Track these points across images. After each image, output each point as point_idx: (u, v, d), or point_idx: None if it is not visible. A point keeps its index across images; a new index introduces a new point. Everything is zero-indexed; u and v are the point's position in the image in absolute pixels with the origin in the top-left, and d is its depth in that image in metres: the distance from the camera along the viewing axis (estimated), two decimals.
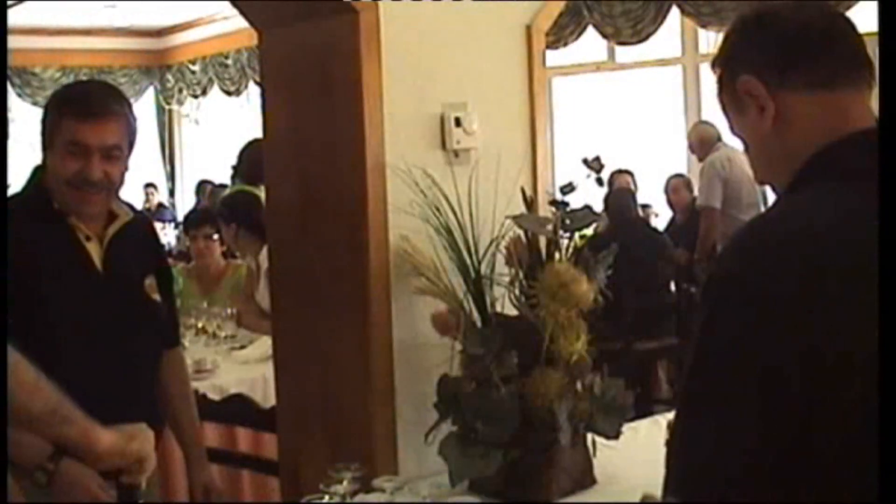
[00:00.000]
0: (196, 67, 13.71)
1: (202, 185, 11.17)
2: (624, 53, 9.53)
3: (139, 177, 13.63)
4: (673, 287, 6.52)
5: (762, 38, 1.47)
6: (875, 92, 1.40)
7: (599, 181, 2.49)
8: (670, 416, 2.33)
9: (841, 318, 1.22)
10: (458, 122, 2.61)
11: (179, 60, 14.06)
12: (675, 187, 7.65)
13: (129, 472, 2.00)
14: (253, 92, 12.07)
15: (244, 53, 12.34)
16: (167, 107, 14.64)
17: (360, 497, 2.25)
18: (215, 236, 5.06)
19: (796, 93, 1.42)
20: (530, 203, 2.48)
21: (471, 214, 2.48)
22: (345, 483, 2.21)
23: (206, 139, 14.12)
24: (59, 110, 2.43)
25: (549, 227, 2.40)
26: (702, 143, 7.16)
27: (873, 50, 1.36)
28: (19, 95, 13.03)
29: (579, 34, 9.06)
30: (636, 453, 2.41)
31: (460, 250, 2.45)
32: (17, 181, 2.61)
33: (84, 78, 13.61)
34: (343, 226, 2.56)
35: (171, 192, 14.76)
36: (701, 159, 7.17)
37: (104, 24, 12.98)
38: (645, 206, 8.24)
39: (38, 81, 13.15)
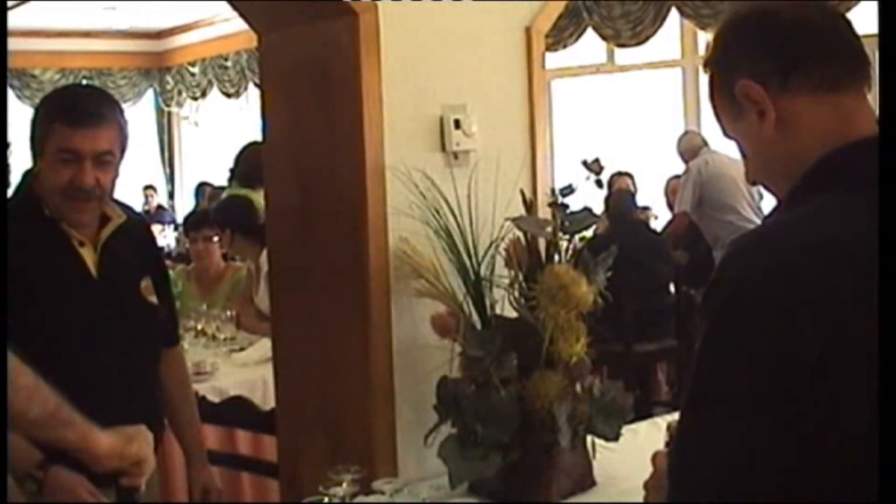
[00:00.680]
0: (195, 69, 13.72)
1: (201, 187, 11.18)
2: (623, 56, 9.53)
3: (138, 179, 13.66)
4: (672, 289, 6.52)
5: (761, 39, 1.40)
6: (875, 92, 1.38)
7: (599, 183, 2.49)
8: (670, 418, 2.33)
9: (847, 331, 1.19)
10: (457, 124, 2.61)
11: (179, 62, 14.07)
12: (675, 189, 7.66)
13: (129, 474, 2.00)
14: (252, 94, 12.08)
15: (244, 55, 12.35)
16: (166, 109, 14.65)
17: (359, 499, 2.25)
18: (215, 238, 5.06)
19: (799, 96, 1.37)
20: (530, 205, 2.48)
21: (470, 216, 2.48)
22: (344, 485, 2.21)
23: (205, 141, 14.12)
24: (51, 116, 2.40)
25: (549, 229, 2.40)
26: (688, 151, 7.40)
27: (872, 50, 1.34)
28: (19, 97, 13.03)
29: (579, 36, 9.06)
30: (635, 455, 2.40)
31: (460, 252, 2.45)
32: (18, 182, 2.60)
33: (84, 80, 13.65)
34: (342, 228, 2.56)
35: (171, 195, 14.76)
36: None
37: (104, 26, 13.00)
38: (644, 209, 8.23)
39: (37, 84, 13.14)
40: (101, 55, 13.87)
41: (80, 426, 1.90)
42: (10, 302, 1.92)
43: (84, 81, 13.75)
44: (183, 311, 4.84)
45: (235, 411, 3.43)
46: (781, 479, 1.20)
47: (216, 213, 5.23)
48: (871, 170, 1.30)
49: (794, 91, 1.37)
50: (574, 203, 2.46)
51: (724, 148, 6.30)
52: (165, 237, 11.67)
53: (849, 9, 6.64)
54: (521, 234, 2.43)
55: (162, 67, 14.43)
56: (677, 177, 7.85)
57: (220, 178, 9.36)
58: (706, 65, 1.48)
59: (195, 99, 13.96)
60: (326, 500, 2.21)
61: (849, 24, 1.43)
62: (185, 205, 13.50)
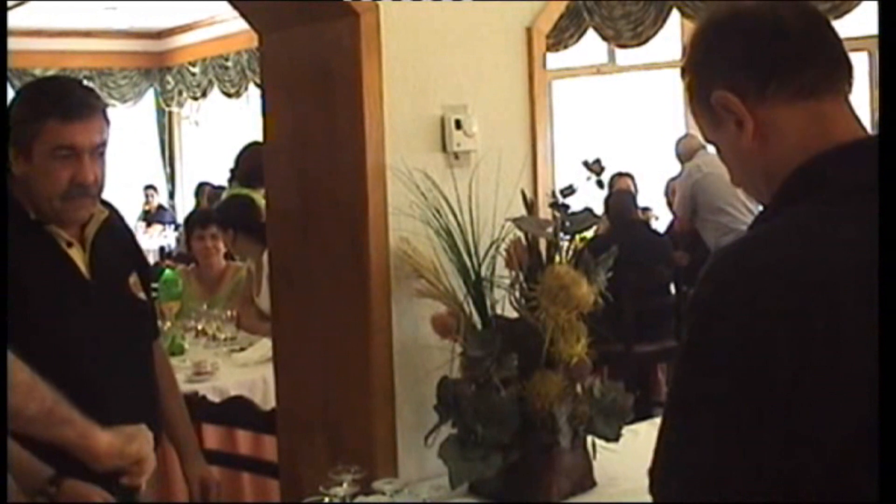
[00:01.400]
0: (196, 69, 13.72)
1: (201, 187, 11.18)
2: (624, 56, 9.53)
3: (139, 178, 13.66)
4: (673, 290, 6.52)
5: (736, 47, 1.36)
6: (875, 92, 1.36)
7: (600, 184, 2.49)
8: None
9: (822, 343, 1.18)
10: (458, 125, 2.61)
11: (180, 62, 14.08)
12: (675, 190, 7.67)
13: (129, 474, 1.99)
14: (253, 94, 12.08)
15: (244, 55, 12.35)
16: (167, 109, 14.65)
17: (360, 499, 2.25)
18: (219, 237, 5.05)
19: (777, 105, 1.33)
20: (530, 205, 2.48)
21: (471, 217, 2.48)
22: (345, 485, 2.21)
23: (206, 141, 14.13)
24: (40, 113, 2.26)
25: (550, 229, 2.40)
26: (686, 154, 7.43)
27: (872, 50, 1.32)
28: None
29: (579, 37, 9.06)
30: (636, 456, 2.40)
31: (460, 252, 2.45)
32: None
33: (84, 80, 13.65)
34: (343, 228, 2.56)
35: (171, 194, 14.77)
36: None
37: (104, 26, 13.00)
38: (645, 209, 8.24)
39: None
40: (102, 55, 13.88)
41: (79, 424, 1.89)
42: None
43: (85, 81, 13.76)
44: (184, 311, 4.85)
45: (236, 411, 3.43)
46: (758, 485, 1.20)
47: (218, 212, 5.24)
48: (850, 177, 1.28)
49: (772, 100, 1.33)
50: (575, 203, 2.46)
51: None
52: (166, 237, 11.69)
53: (849, 9, 6.64)
54: (521, 235, 2.43)
55: (163, 67, 14.43)
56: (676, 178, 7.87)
57: (220, 177, 9.37)
58: (683, 71, 1.44)
59: (196, 99, 13.97)
60: (327, 500, 2.21)
61: (827, 24, 1.39)
62: (185, 205, 13.50)
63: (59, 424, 1.88)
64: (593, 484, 2.42)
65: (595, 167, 2.47)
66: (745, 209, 6.57)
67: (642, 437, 2.57)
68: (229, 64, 12.89)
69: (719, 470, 1.21)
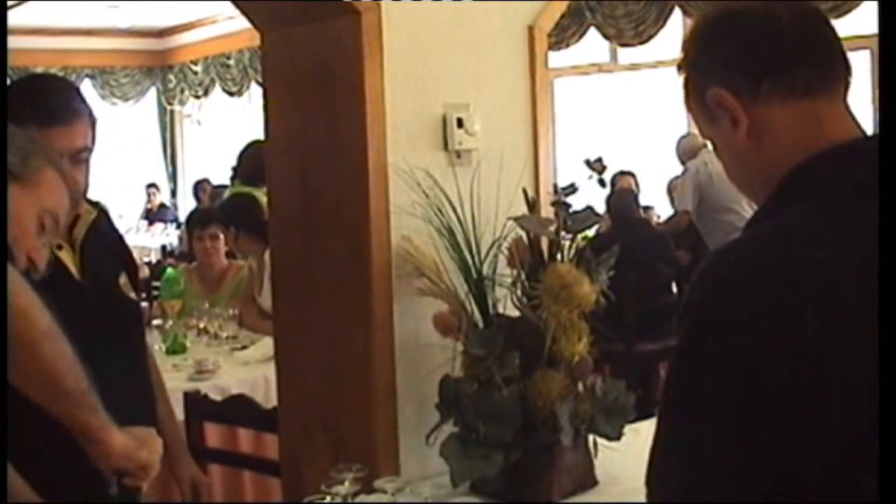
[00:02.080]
0: (198, 68, 13.73)
1: (200, 184, 11.20)
2: (626, 55, 9.54)
3: (141, 177, 13.69)
4: (675, 288, 6.52)
5: (732, 44, 1.36)
6: (877, 91, 1.35)
7: (601, 182, 2.49)
8: None
9: (820, 348, 1.17)
10: (460, 123, 2.61)
11: (181, 61, 14.09)
12: (678, 186, 7.68)
13: (133, 476, 1.99)
14: (255, 92, 12.10)
15: (246, 54, 12.36)
16: (169, 107, 14.67)
17: (361, 498, 2.25)
18: (221, 235, 5.05)
19: (772, 104, 1.33)
20: (532, 204, 2.48)
21: (473, 215, 2.48)
22: (346, 484, 2.21)
23: (207, 140, 14.14)
24: (17, 116, 2.10)
25: (551, 228, 2.40)
26: (688, 153, 7.45)
27: (873, 50, 1.31)
28: None
29: (581, 35, 9.07)
30: (637, 454, 2.39)
31: (462, 251, 2.45)
32: None
33: (86, 78, 13.69)
34: (345, 227, 2.56)
35: (173, 193, 14.79)
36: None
37: (106, 24, 13.02)
38: (647, 208, 8.24)
39: None
40: (104, 53, 13.90)
41: (102, 416, 1.90)
42: None
43: (86, 80, 13.79)
44: (186, 309, 4.85)
45: (237, 410, 3.43)
46: (757, 485, 1.19)
47: (221, 210, 5.24)
48: (845, 177, 1.28)
49: (766, 99, 1.33)
50: (576, 202, 2.46)
51: None
52: (168, 235, 11.69)
53: (851, 8, 6.64)
54: (523, 233, 2.43)
55: (164, 66, 14.45)
56: (679, 177, 7.87)
57: (222, 176, 9.38)
58: (679, 68, 1.44)
59: (197, 97, 13.99)
60: (328, 498, 2.21)
61: (824, 23, 1.39)
62: (187, 203, 13.51)
63: (87, 410, 1.89)
64: (595, 483, 2.42)
65: (597, 166, 2.47)
66: (750, 209, 6.57)
67: (644, 436, 2.56)
68: (231, 62, 12.91)
69: (718, 470, 1.21)
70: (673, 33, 8.34)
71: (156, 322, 4.64)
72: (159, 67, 14.49)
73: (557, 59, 8.95)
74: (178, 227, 11.51)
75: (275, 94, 2.80)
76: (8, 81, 2.65)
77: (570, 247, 2.41)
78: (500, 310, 2.44)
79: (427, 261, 2.48)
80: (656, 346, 6.07)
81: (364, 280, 2.50)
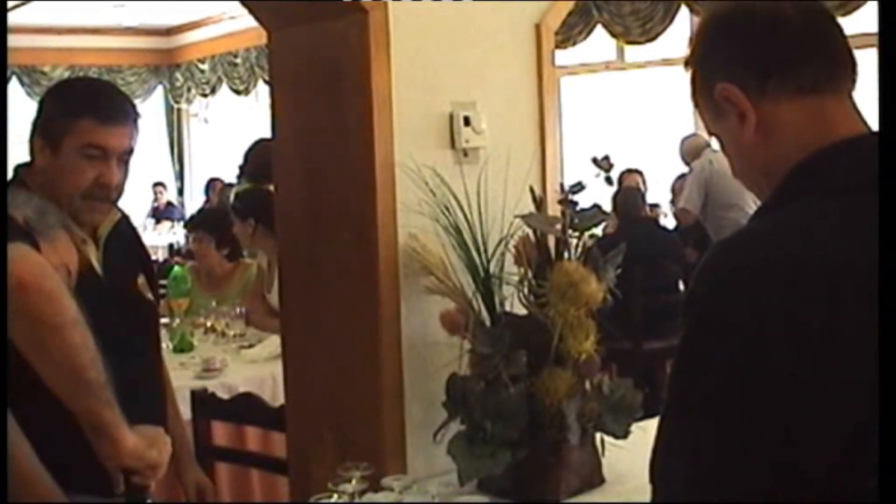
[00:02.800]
0: (205, 66, 13.75)
1: (212, 183, 11.19)
2: (633, 53, 9.53)
3: (148, 175, 13.70)
4: (682, 286, 6.51)
5: (739, 41, 1.37)
6: (873, 93, 1.35)
7: (609, 180, 2.49)
8: None
9: (822, 346, 1.17)
10: (467, 121, 2.61)
11: (188, 59, 14.11)
12: (683, 186, 7.67)
13: (141, 475, 2.00)
14: (262, 91, 12.10)
15: (253, 52, 12.37)
16: (176, 105, 14.69)
17: (368, 496, 2.25)
18: (206, 241, 5.10)
19: (780, 100, 1.34)
20: (539, 202, 2.48)
21: (480, 213, 2.48)
22: (353, 482, 2.21)
23: (214, 138, 14.16)
24: (76, 109, 2.28)
25: (558, 226, 2.40)
26: (691, 153, 7.47)
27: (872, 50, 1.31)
28: (28, 94, 13.06)
29: (588, 33, 9.06)
30: (644, 453, 2.39)
31: (469, 249, 2.45)
32: None
33: (94, 76, 13.67)
34: (352, 225, 2.56)
35: (180, 191, 14.81)
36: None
37: (113, 23, 13.03)
38: (654, 206, 8.24)
39: (47, 80, 13.17)
40: (111, 52, 13.92)
41: (117, 413, 1.92)
42: None
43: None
44: (193, 307, 4.86)
45: (245, 408, 3.43)
46: (758, 485, 1.19)
47: (238, 202, 5.22)
48: (849, 174, 1.28)
49: (772, 95, 1.34)
50: (583, 200, 2.46)
51: None
52: (175, 234, 11.71)
53: (857, 6, 6.62)
54: (530, 232, 2.43)
55: (171, 64, 14.47)
56: (683, 176, 7.86)
57: (229, 174, 9.38)
58: (686, 64, 1.45)
59: (205, 96, 14.00)
60: (336, 496, 2.21)
61: (830, 21, 1.39)
62: (194, 201, 13.53)
63: (104, 404, 1.90)
64: (602, 481, 2.42)
65: (604, 164, 2.46)
66: (755, 206, 6.56)
67: (651, 435, 2.56)
68: (238, 61, 12.92)
69: (720, 469, 1.21)
70: (680, 31, 8.33)
71: (163, 320, 4.64)
72: (166, 66, 14.51)
73: (564, 57, 8.95)
74: (185, 225, 11.53)
75: (282, 93, 2.80)
76: (7, 82, 2.69)
77: (578, 245, 2.40)
78: (508, 308, 2.44)
79: (434, 259, 2.48)
80: (663, 345, 6.06)
81: (371, 278, 2.50)
